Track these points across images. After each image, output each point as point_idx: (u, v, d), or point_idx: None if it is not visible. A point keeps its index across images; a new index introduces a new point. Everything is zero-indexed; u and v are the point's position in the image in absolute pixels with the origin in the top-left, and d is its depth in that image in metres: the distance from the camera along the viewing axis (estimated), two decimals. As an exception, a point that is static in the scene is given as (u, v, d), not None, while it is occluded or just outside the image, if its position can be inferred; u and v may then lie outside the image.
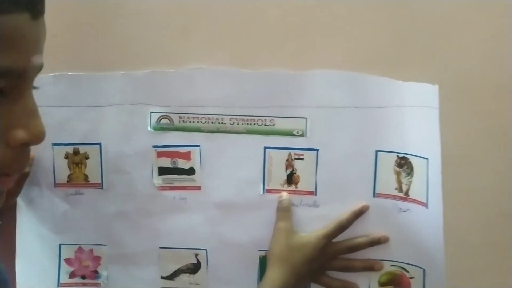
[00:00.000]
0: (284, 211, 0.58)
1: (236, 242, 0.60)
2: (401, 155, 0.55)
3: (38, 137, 0.31)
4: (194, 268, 0.61)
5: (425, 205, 0.53)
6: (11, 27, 0.27)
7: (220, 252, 0.61)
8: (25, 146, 0.31)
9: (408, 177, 0.55)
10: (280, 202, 0.58)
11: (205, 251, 0.61)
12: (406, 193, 0.55)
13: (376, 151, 0.56)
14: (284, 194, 0.58)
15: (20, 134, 0.30)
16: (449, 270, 0.54)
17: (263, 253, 0.60)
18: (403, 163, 0.55)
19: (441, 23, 0.54)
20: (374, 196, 0.57)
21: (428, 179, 0.53)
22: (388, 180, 0.56)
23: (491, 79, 0.54)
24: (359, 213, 0.57)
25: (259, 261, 0.60)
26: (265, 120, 0.58)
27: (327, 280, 0.58)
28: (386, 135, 0.56)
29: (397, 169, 0.56)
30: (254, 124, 0.58)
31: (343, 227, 0.56)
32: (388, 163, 0.56)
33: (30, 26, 0.29)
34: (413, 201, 0.55)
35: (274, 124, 0.58)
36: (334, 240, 0.57)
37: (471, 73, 0.53)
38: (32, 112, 0.31)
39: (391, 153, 0.56)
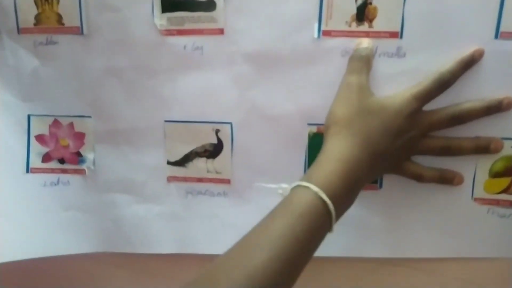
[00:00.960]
0: (360, 62, 0.38)
1: (275, 113, 0.41)
2: (555, -40, 0.34)
3: None
4: (213, 150, 0.43)
5: None
6: None
7: (251, 127, 0.42)
8: None
9: None
10: (356, 50, 0.38)
11: (229, 125, 0.42)
12: (555, 27, 0.35)
13: (508, -40, 0.35)
14: (365, 41, 0.38)
15: None
16: None
17: (314, 129, 0.41)
18: (557, -25, 0.34)
19: None
20: (496, 37, 0.36)
21: None
22: (524, 8, 0.35)
23: None
24: (469, 63, 0.36)
25: (309, 140, 0.41)
26: None
27: (414, 168, 0.39)
28: None
29: (544, -13, 0.35)
30: None
31: (444, 83, 0.36)
32: (527, -21, 0.35)
33: None
34: None
35: None
36: (430, 107, 0.37)
37: None
38: None
39: (536, -41, 0.35)
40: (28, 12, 0.43)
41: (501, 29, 0.36)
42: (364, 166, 0.35)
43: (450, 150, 0.38)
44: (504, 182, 0.39)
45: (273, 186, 0.37)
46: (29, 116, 0.46)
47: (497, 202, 0.40)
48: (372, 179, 0.40)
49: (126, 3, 0.41)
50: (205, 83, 0.42)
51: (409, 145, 0.37)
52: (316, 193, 0.32)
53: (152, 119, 0.44)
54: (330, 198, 0.32)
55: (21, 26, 0.44)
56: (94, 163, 0.46)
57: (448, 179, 0.39)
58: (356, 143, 0.35)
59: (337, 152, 0.35)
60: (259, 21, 0.40)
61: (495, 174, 0.39)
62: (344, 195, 0.34)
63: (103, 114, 0.45)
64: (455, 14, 0.37)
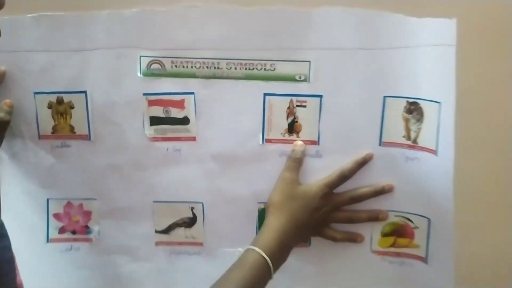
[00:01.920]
0: (294, 162, 0.55)
1: (235, 195, 0.57)
2: (411, 100, 0.51)
3: None
4: (190, 222, 0.59)
5: (434, 152, 0.50)
6: None
7: (217, 206, 0.58)
8: None
9: (417, 124, 0.52)
10: (293, 151, 0.55)
11: (201, 204, 0.58)
12: (415, 141, 0.52)
13: (384, 97, 0.52)
14: (299, 143, 0.55)
15: None
16: (456, 221, 0.51)
17: (262, 206, 0.57)
18: (413, 109, 0.52)
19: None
20: (380, 144, 0.54)
21: (439, 125, 0.50)
22: (396, 127, 0.53)
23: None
24: (363, 162, 0.54)
25: (258, 213, 0.58)
26: (265, 64, 0.53)
27: (330, 233, 0.56)
28: (396, 78, 0.52)
29: (406, 115, 0.52)
30: (253, 68, 0.54)
31: (345, 176, 0.54)
32: (396, 110, 0.52)
33: None
34: (422, 149, 0.52)
35: (274, 69, 0.53)
36: (337, 191, 0.55)
37: (493, 6, 0.48)
38: None
39: (400, 98, 0.52)
40: (47, 124, 0.57)
41: (383, 139, 0.54)
42: (292, 234, 0.52)
43: (352, 219, 0.56)
44: (391, 240, 0.57)
45: (232, 250, 0.53)
46: (48, 200, 0.59)
47: (387, 253, 0.57)
48: (301, 241, 0.56)
49: (123, 118, 0.56)
50: (183, 175, 0.57)
51: (324, 217, 0.55)
52: (259, 253, 0.49)
53: (144, 200, 0.59)
54: (269, 257, 0.49)
55: (41, 133, 0.57)
56: (99, 233, 0.60)
57: (354, 239, 0.57)
58: (286, 219, 0.52)
59: (273, 225, 0.52)
60: (221, 131, 0.56)
61: (385, 234, 0.57)
62: (279, 254, 0.51)
63: (105, 197, 0.59)
64: (353, 129, 0.54)
